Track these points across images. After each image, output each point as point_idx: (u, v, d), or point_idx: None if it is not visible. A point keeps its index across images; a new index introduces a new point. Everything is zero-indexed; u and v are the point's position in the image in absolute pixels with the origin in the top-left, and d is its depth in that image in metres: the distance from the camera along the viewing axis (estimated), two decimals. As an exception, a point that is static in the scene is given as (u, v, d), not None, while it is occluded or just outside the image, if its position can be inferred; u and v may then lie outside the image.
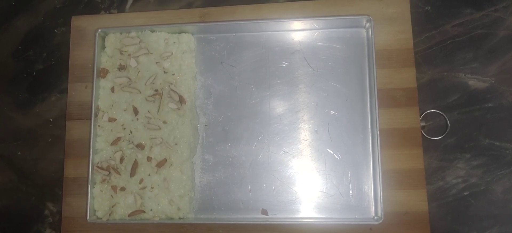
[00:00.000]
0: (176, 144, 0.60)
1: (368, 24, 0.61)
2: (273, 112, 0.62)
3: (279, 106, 0.62)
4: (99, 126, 0.61)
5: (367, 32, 0.61)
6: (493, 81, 0.61)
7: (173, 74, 0.61)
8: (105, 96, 0.62)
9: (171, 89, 0.60)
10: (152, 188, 0.59)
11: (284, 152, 0.61)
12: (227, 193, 0.61)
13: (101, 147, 0.61)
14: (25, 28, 0.69)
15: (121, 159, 0.60)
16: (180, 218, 0.59)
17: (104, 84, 0.62)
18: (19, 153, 0.66)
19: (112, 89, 0.61)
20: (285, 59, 0.63)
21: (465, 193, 0.60)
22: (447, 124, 0.61)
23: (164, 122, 0.60)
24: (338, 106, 0.61)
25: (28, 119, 0.67)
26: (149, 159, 0.60)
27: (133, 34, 0.63)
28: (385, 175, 0.59)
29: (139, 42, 0.62)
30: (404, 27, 0.62)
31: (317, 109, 0.61)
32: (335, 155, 0.60)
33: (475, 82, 0.62)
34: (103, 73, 0.62)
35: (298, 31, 0.63)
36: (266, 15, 0.64)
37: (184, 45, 0.62)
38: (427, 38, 0.63)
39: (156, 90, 0.61)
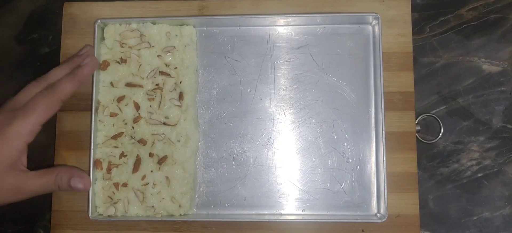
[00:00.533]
0: (178, 141, 0.59)
1: (375, 22, 0.60)
2: (277, 108, 0.61)
3: (283, 102, 0.61)
4: (99, 120, 0.59)
5: (373, 29, 0.61)
6: (506, 65, 0.63)
7: (176, 68, 0.60)
8: (105, 90, 0.60)
9: (175, 84, 0.59)
10: (154, 185, 0.58)
11: (288, 148, 0.61)
12: (230, 189, 0.60)
13: (101, 141, 0.59)
14: (28, 9, 0.67)
15: (122, 155, 0.59)
16: (181, 215, 0.58)
17: (104, 78, 0.60)
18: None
19: (112, 84, 0.60)
20: (290, 54, 0.62)
21: (479, 175, 0.61)
22: (440, 128, 0.62)
23: (166, 118, 0.59)
24: (342, 104, 0.61)
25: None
26: (151, 155, 0.59)
27: (133, 26, 0.60)
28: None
29: (140, 35, 0.60)
30: (404, 30, 0.62)
31: (322, 106, 0.61)
32: (339, 153, 0.60)
33: (488, 66, 0.63)
34: (104, 65, 0.60)
35: (304, 26, 0.62)
36: (266, 10, 0.63)
37: (186, 38, 0.61)
38: (443, 22, 0.64)
39: (157, 85, 0.59)
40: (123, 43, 0.60)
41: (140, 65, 0.60)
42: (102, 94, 0.60)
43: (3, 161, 0.51)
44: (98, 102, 0.59)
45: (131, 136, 0.59)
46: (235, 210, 0.60)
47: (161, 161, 0.58)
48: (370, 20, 0.60)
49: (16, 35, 0.66)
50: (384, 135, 0.58)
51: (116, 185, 0.58)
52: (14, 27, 0.66)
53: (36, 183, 0.54)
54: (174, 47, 0.60)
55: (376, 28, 0.60)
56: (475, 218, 0.61)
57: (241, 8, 0.63)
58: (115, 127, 0.59)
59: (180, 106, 0.59)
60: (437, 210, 0.61)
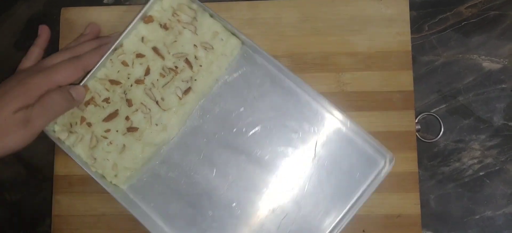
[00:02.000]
0: (156, 125, 0.58)
1: (388, 161, 0.58)
2: (256, 162, 0.59)
3: (264, 159, 0.59)
4: (111, 60, 0.59)
5: (384, 166, 0.59)
6: (506, 62, 0.62)
7: (200, 66, 0.59)
8: (133, 40, 0.59)
9: (190, 77, 0.59)
10: (110, 143, 0.58)
11: (230, 203, 0.59)
12: (164, 196, 0.59)
13: (99, 77, 0.59)
14: (26, 15, 0.67)
15: (106, 100, 0.59)
16: (110, 183, 0.58)
17: (139, 29, 0.59)
18: (28, 146, 0.64)
19: (143, 39, 0.59)
20: (301, 127, 0.60)
21: (481, 173, 0.61)
22: (440, 126, 0.61)
23: (162, 99, 0.59)
24: (307, 208, 0.59)
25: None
26: (127, 118, 0.58)
27: (194, 6, 0.60)
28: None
29: (194, 17, 0.60)
30: (403, 29, 0.61)
31: (290, 195, 0.60)
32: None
33: (489, 64, 0.62)
34: (148, 20, 0.60)
35: (329, 113, 0.60)
36: (263, 13, 0.63)
37: (228, 47, 0.60)
38: (442, 20, 0.63)
39: (176, 67, 0.59)
40: (176, 13, 0.60)
41: (175, 41, 0.59)
42: (129, 41, 0.59)
43: (17, 103, 0.52)
44: (120, 45, 0.59)
45: (124, 91, 0.59)
46: (159, 218, 0.59)
47: (131, 129, 0.58)
48: (386, 157, 0.58)
49: (15, 42, 0.66)
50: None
51: (82, 119, 0.58)
52: (13, 33, 0.67)
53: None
54: (212, 47, 0.59)
55: (386, 168, 0.58)
56: (477, 217, 0.60)
57: (238, 10, 0.63)
58: (117, 75, 0.59)
59: (180, 98, 0.59)
60: (438, 209, 0.61)
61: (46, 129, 0.57)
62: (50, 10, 0.66)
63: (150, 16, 0.60)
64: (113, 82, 0.59)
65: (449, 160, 0.61)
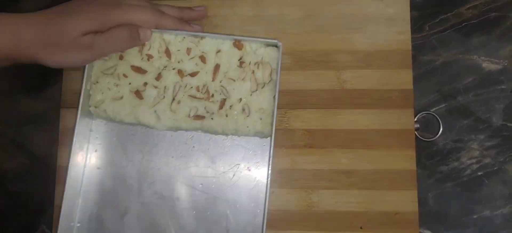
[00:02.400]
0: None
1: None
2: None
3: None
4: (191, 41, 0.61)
5: None
6: (506, 64, 0.63)
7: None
8: (212, 43, 0.61)
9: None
10: (116, 86, 0.60)
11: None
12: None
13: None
14: (33, 9, 0.68)
15: (159, 76, 0.60)
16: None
17: (223, 45, 0.61)
18: (31, 137, 0.65)
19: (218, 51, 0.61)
20: None
21: (479, 173, 0.61)
22: (439, 126, 0.62)
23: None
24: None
25: (39, 102, 0.66)
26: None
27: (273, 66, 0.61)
28: (377, 175, 0.60)
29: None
30: (403, 28, 0.62)
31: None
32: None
33: (488, 65, 0.63)
34: (240, 46, 0.61)
35: None
36: (265, 10, 0.64)
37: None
38: (442, 20, 0.64)
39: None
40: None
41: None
42: (209, 42, 0.61)
43: (89, 26, 0.54)
44: (202, 38, 0.61)
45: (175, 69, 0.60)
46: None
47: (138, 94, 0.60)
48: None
49: (22, 35, 0.67)
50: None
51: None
52: (20, 26, 0.68)
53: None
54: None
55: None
56: (475, 216, 0.61)
57: (241, 6, 0.64)
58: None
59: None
60: (436, 208, 0.61)
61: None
62: (57, 4, 0.67)
63: (242, 44, 0.60)
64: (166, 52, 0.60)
65: (447, 159, 0.62)
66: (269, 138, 0.60)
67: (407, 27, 0.62)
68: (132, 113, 0.59)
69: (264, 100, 0.59)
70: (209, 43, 0.60)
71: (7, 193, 0.65)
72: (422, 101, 0.63)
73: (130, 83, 0.60)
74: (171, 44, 0.60)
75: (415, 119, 0.61)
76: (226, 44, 0.60)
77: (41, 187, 0.64)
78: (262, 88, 0.59)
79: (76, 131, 0.59)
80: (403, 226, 0.59)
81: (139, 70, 0.60)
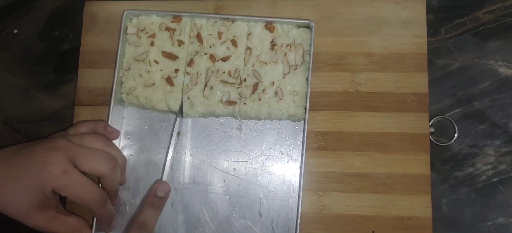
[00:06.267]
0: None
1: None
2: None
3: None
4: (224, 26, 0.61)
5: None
6: (523, 69, 0.62)
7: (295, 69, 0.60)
8: (244, 25, 0.62)
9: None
10: (147, 72, 0.60)
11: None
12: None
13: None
14: (50, 8, 0.69)
15: (191, 62, 0.60)
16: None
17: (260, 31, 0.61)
18: (45, 133, 0.65)
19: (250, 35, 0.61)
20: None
21: (494, 180, 0.60)
22: (455, 130, 0.61)
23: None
24: None
25: (54, 100, 0.66)
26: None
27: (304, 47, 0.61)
28: (391, 179, 0.59)
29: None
30: (419, 31, 0.62)
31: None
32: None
33: (505, 70, 0.62)
34: (272, 28, 0.61)
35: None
36: (281, 11, 0.63)
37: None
38: (458, 24, 0.63)
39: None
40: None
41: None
42: (242, 24, 0.61)
43: (35, 197, 0.50)
44: (233, 21, 0.61)
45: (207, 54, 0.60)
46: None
47: (169, 81, 0.60)
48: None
49: (39, 32, 0.68)
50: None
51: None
52: (37, 24, 0.68)
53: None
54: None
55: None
56: (489, 223, 0.60)
57: (256, 7, 0.64)
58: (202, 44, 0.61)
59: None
60: (450, 214, 0.60)
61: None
62: (74, 3, 0.68)
63: (274, 26, 0.61)
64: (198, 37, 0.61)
65: (462, 164, 0.61)
66: (302, 121, 0.60)
67: (423, 30, 0.61)
68: (163, 100, 0.60)
69: (297, 83, 0.59)
70: (241, 26, 0.61)
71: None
72: (437, 105, 0.62)
73: (161, 70, 0.60)
74: (202, 28, 0.61)
75: (430, 124, 0.60)
76: (257, 27, 0.60)
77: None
78: (294, 70, 0.59)
79: (109, 118, 0.59)
80: (416, 232, 0.59)
81: (170, 56, 0.60)
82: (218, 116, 0.61)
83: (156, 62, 0.60)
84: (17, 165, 0.51)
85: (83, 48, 0.65)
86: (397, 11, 0.62)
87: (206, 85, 0.59)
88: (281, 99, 0.58)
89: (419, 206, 0.59)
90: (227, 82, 0.59)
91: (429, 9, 0.63)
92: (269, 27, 0.60)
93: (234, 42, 0.60)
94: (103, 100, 0.63)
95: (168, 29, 0.61)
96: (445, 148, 0.61)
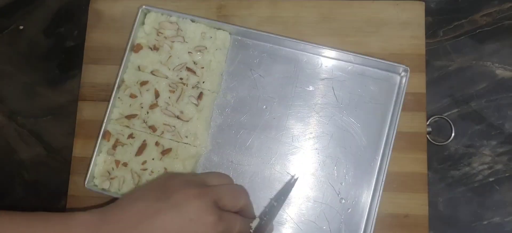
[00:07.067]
0: (186, 137, 0.60)
1: (403, 73, 0.60)
2: (287, 132, 0.62)
3: (294, 128, 0.62)
4: (119, 98, 0.62)
5: (401, 81, 0.61)
6: (519, 71, 0.63)
7: (202, 68, 0.62)
8: (131, 72, 0.62)
9: (197, 82, 0.61)
10: (152, 172, 0.60)
11: (287, 173, 0.61)
12: None
13: (115, 118, 0.62)
14: (56, 5, 0.70)
15: (131, 136, 0.61)
16: None
17: (134, 60, 0.62)
18: (49, 128, 0.66)
19: (139, 67, 0.62)
20: (313, 83, 0.63)
21: (490, 179, 0.61)
22: (451, 130, 0.62)
23: (181, 112, 0.61)
24: (351, 145, 0.61)
25: (58, 95, 0.67)
26: (157, 144, 0.60)
27: (173, 19, 0.63)
28: (388, 177, 0.59)
29: (177, 28, 0.63)
30: (418, 32, 0.63)
31: (330, 141, 0.61)
32: (335, 191, 0.60)
33: (502, 71, 0.63)
34: (137, 48, 0.62)
35: (332, 59, 0.63)
36: (282, 11, 0.65)
37: (219, 42, 0.62)
38: (456, 27, 0.64)
39: (181, 79, 0.61)
40: (159, 32, 0.63)
41: (170, 56, 0.62)
42: (128, 74, 0.62)
43: None
44: (122, 81, 0.62)
45: (144, 121, 0.61)
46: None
47: (165, 152, 0.60)
48: (400, 71, 0.61)
49: (44, 29, 0.69)
50: (383, 185, 0.58)
51: (117, 162, 0.60)
52: (42, 21, 0.70)
53: None
54: (206, 47, 0.62)
55: (404, 80, 0.60)
56: (485, 222, 0.60)
57: (258, 7, 0.65)
58: (131, 108, 0.61)
59: (196, 105, 0.61)
60: (447, 213, 0.61)
61: (88, 185, 0.60)
62: (79, 0, 0.69)
63: (138, 44, 0.63)
64: (130, 116, 0.61)
65: (459, 164, 0.62)
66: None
67: (421, 32, 0.63)
68: (181, 164, 0.60)
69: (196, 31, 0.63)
70: (129, 73, 0.62)
71: (23, 181, 0.66)
72: (435, 105, 0.63)
73: (153, 159, 0.61)
74: (124, 111, 0.62)
75: (427, 123, 0.61)
76: (132, 58, 0.63)
77: (55, 177, 0.65)
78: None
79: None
80: (412, 229, 0.59)
81: (142, 148, 0.61)
82: None
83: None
84: (164, 226, 0.48)
85: (88, 44, 0.66)
86: (397, 13, 0.63)
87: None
88: None
89: (416, 204, 0.60)
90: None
91: (428, 11, 0.64)
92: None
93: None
94: (106, 95, 0.64)
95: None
96: (442, 148, 0.62)
